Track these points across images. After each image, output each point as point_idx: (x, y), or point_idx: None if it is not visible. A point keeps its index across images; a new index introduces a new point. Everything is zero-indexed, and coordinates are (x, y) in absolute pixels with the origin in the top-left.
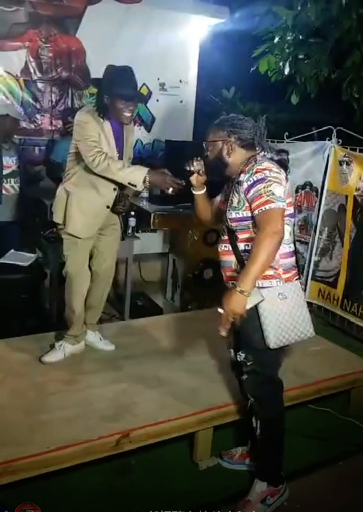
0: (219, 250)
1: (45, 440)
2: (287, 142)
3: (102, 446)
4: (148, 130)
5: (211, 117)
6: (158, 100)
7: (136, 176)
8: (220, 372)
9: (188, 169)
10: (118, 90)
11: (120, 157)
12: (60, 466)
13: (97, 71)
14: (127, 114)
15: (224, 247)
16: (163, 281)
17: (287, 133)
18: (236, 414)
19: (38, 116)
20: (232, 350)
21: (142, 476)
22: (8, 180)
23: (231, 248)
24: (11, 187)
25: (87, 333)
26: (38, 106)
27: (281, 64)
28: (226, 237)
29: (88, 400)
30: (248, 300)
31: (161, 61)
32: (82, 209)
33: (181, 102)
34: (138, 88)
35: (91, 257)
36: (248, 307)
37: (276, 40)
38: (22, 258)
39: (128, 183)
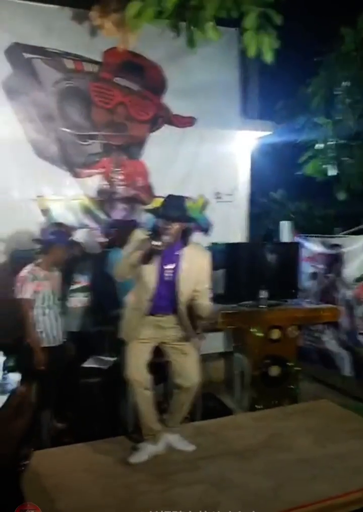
0: None
1: None
2: (340, 236)
3: None
4: (206, 235)
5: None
6: (213, 207)
7: (130, 253)
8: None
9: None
10: (161, 211)
11: (169, 280)
12: None
13: (159, 187)
14: (165, 236)
15: None
16: (227, 380)
17: (339, 228)
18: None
19: (111, 231)
20: None
21: None
22: (76, 294)
23: None
24: (79, 301)
25: (166, 435)
26: (111, 221)
27: (325, 166)
28: None
29: (174, 500)
30: None
31: (215, 173)
32: (128, 315)
33: (235, 206)
34: (181, 212)
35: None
36: None
37: (318, 145)
38: (103, 362)
39: (130, 264)
